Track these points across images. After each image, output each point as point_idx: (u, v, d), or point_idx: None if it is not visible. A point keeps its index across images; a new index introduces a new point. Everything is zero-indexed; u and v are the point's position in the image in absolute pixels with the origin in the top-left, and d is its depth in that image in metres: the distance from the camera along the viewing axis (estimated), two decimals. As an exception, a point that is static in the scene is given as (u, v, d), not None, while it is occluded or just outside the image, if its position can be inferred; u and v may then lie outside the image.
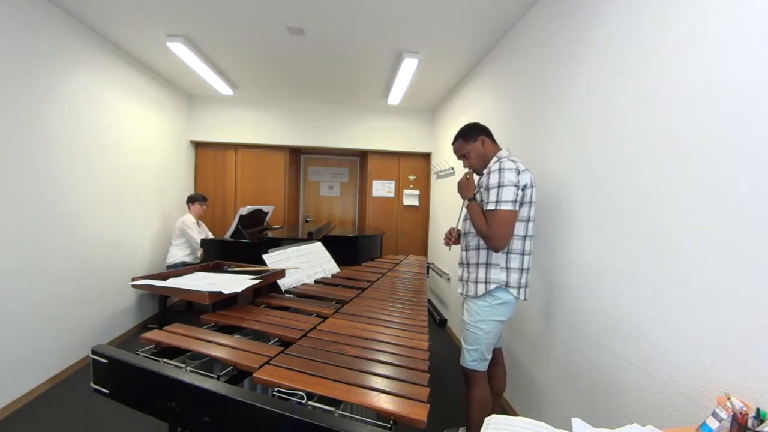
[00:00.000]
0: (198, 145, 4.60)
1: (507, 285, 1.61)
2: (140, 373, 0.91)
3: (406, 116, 4.76)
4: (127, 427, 2.01)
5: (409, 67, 3.20)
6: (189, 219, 3.68)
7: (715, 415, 0.82)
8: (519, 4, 2.21)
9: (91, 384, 0.98)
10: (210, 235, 3.97)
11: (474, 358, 1.67)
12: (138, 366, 0.92)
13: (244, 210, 3.45)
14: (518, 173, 1.56)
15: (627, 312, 1.40)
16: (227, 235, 3.42)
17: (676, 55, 1.23)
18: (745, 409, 0.79)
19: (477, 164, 1.77)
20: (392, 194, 4.91)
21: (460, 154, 1.81)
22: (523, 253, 1.63)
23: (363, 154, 5.17)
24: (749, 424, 0.78)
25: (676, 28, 1.23)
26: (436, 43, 2.81)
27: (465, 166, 1.82)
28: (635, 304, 1.37)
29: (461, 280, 1.79)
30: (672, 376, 1.19)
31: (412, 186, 4.95)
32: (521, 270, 1.63)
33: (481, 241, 1.67)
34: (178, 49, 2.97)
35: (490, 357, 1.71)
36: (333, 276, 2.24)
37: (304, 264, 2.10)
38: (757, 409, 0.79)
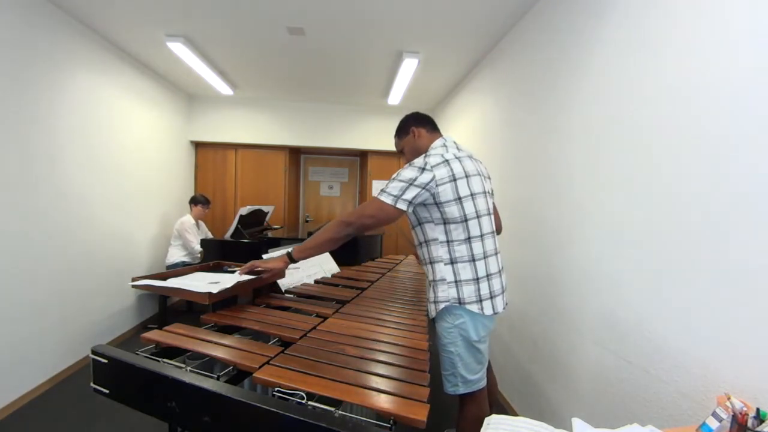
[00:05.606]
0: (198, 145, 4.60)
1: (461, 302, 1.33)
2: (140, 373, 0.91)
3: (406, 116, 4.76)
4: (127, 427, 2.01)
5: (408, 67, 3.20)
6: (188, 221, 3.63)
7: (715, 415, 0.82)
8: (519, 3, 2.21)
9: (91, 384, 0.98)
10: (210, 236, 3.97)
11: (454, 383, 1.39)
12: (138, 366, 0.92)
13: (244, 210, 3.45)
14: (422, 171, 1.30)
15: (627, 312, 1.40)
16: (227, 235, 3.42)
17: (678, 53, 1.23)
18: (745, 409, 0.79)
19: (412, 159, 1.48)
20: (392, 194, 4.91)
21: (397, 150, 1.62)
22: (473, 260, 1.34)
23: (363, 154, 5.16)
24: (749, 424, 0.78)
25: (678, 24, 1.23)
26: (435, 43, 2.81)
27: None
28: (635, 305, 1.37)
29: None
30: (672, 376, 1.19)
31: (412, 186, 4.94)
32: (476, 280, 1.34)
33: (428, 254, 1.41)
34: (178, 49, 2.96)
35: (477, 376, 1.39)
36: (333, 276, 2.24)
37: (304, 264, 2.09)
38: (757, 409, 0.79)
